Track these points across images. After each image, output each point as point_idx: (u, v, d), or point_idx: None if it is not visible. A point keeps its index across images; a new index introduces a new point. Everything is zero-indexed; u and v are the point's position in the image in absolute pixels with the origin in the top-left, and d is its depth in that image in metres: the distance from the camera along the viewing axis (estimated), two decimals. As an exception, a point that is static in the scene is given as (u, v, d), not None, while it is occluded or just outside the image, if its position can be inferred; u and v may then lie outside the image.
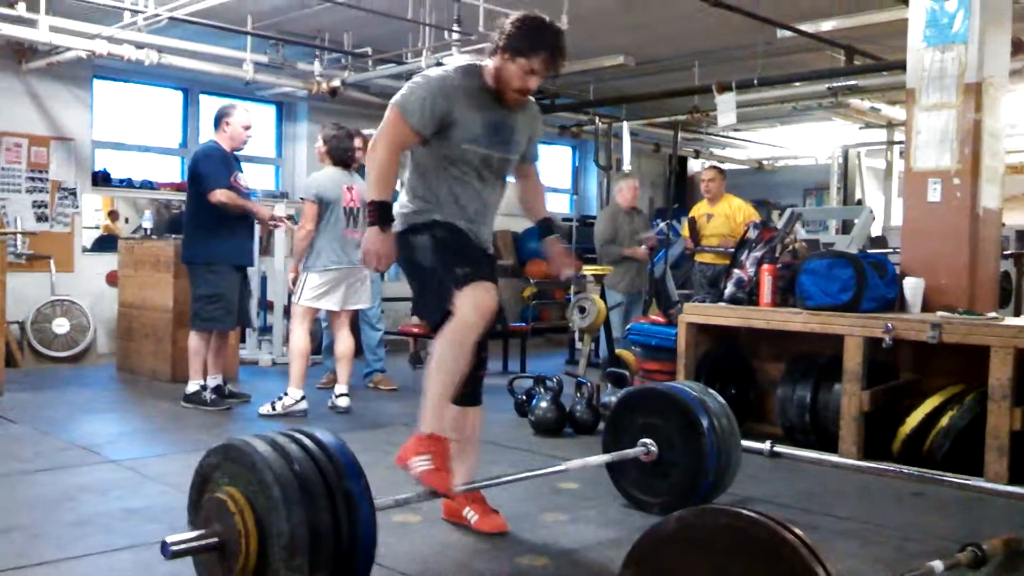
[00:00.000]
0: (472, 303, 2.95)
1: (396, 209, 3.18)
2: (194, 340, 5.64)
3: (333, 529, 2.28)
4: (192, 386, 5.66)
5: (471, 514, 3.27)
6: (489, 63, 3.13)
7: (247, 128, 5.68)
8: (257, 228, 7.71)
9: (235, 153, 5.68)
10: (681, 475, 3.45)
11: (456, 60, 3.29)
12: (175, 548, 2.28)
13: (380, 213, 3.02)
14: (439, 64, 7.06)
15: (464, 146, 3.09)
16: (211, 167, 5.49)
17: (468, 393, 3.22)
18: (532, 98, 3.33)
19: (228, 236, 5.55)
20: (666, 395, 3.58)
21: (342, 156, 5.79)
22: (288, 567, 2.22)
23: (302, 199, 5.81)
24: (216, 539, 2.32)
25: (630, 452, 3.51)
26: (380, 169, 3.04)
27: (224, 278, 5.56)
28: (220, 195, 5.41)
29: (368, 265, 3.10)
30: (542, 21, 3.09)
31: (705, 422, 3.41)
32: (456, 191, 3.15)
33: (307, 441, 2.43)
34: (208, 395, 5.63)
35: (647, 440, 3.50)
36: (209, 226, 5.50)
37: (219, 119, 5.67)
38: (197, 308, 5.62)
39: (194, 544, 2.35)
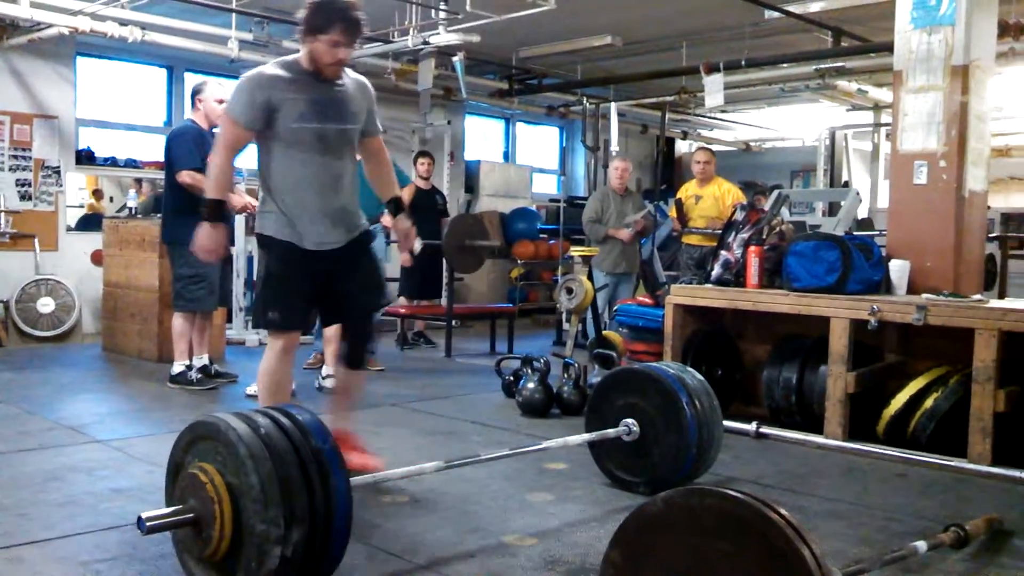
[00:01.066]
0: (273, 351, 3.48)
1: (258, 206, 3.56)
2: (178, 321, 5.63)
3: (304, 483, 2.32)
4: (177, 367, 5.65)
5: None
6: (301, 50, 3.38)
7: (219, 102, 5.65)
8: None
9: (213, 130, 5.65)
10: (662, 454, 3.47)
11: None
12: (151, 524, 2.33)
13: (213, 210, 3.40)
14: (425, 43, 7.11)
15: (294, 125, 3.31)
16: (182, 148, 5.48)
17: (349, 357, 3.63)
18: (359, 74, 3.61)
19: None
20: (645, 375, 3.60)
21: None
22: (263, 519, 2.24)
23: None
24: (191, 514, 2.36)
25: (611, 432, 3.54)
26: (217, 170, 3.43)
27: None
28: (186, 176, 5.39)
29: (200, 258, 3.51)
30: None
31: (685, 400, 3.44)
32: (301, 172, 3.38)
33: (274, 413, 2.49)
34: (194, 375, 5.63)
35: (628, 420, 3.53)
36: (188, 206, 5.42)
37: (193, 96, 5.68)
38: (180, 288, 5.61)
39: (170, 520, 2.39)
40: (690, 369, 3.72)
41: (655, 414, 3.49)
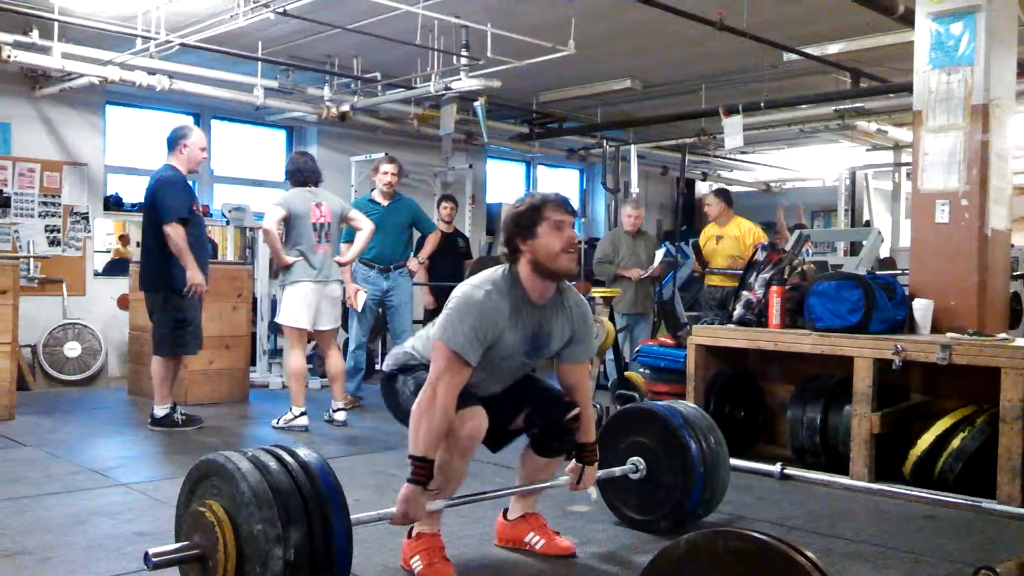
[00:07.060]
0: (463, 429, 2.95)
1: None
2: (160, 366, 5.68)
3: (296, 489, 2.39)
4: (161, 410, 5.70)
5: (536, 539, 3.31)
6: (519, 269, 2.99)
7: (203, 149, 5.76)
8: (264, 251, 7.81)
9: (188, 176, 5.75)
10: (668, 493, 3.49)
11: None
12: (157, 559, 2.40)
13: (425, 473, 2.84)
14: (447, 89, 7.21)
15: (496, 361, 3.04)
16: (172, 197, 5.48)
17: (545, 446, 3.27)
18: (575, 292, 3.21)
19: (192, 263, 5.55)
20: (651, 414, 3.63)
21: (302, 179, 6.01)
22: (260, 520, 2.31)
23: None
24: (196, 549, 2.42)
25: (618, 470, 3.53)
26: (439, 423, 2.85)
27: (191, 303, 5.62)
28: (170, 230, 5.40)
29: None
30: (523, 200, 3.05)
31: (689, 439, 3.46)
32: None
33: (276, 449, 2.56)
34: (179, 416, 5.71)
35: (635, 459, 3.53)
36: (172, 254, 5.50)
37: (176, 140, 5.66)
38: (165, 333, 5.62)
39: (175, 555, 2.46)
40: (698, 408, 3.77)
41: (661, 453, 3.51)
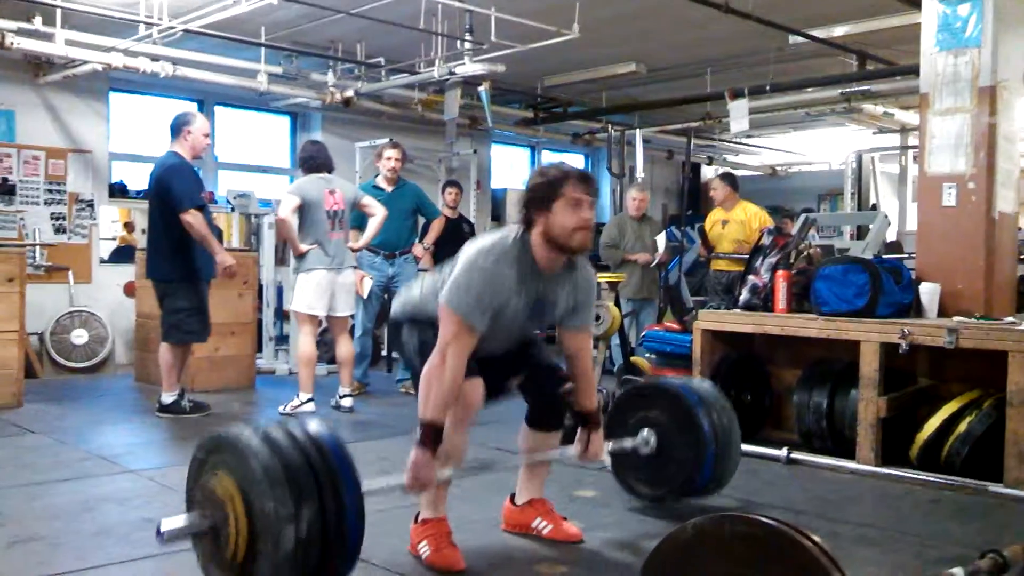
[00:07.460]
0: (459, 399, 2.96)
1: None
2: (169, 353, 5.68)
3: (308, 465, 2.38)
4: (169, 397, 5.72)
5: (543, 524, 3.31)
6: (532, 237, 2.97)
7: (207, 136, 5.75)
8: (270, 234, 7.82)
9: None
10: (679, 468, 3.49)
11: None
12: (168, 531, 2.41)
13: (433, 436, 2.82)
14: (451, 74, 7.19)
15: (496, 326, 3.02)
16: (185, 184, 5.47)
17: (541, 419, 3.27)
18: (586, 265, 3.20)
19: (201, 250, 5.57)
20: (665, 390, 3.66)
21: (315, 166, 6.03)
22: (273, 497, 2.30)
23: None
24: (209, 524, 2.43)
25: (628, 441, 3.53)
26: (449, 385, 2.87)
27: (202, 291, 5.65)
28: (190, 218, 5.39)
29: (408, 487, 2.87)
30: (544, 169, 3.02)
31: (702, 416, 3.48)
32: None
33: (287, 424, 2.55)
34: (186, 403, 5.72)
35: (646, 431, 3.53)
36: (186, 241, 5.50)
37: (179, 127, 5.63)
38: (175, 321, 5.62)
39: (186, 527, 2.47)
40: (708, 383, 3.81)
41: (673, 427, 3.51)
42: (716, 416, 3.53)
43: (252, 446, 2.39)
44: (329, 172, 6.05)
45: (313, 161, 6.02)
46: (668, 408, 3.56)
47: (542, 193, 2.93)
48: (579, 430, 3.27)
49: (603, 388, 5.31)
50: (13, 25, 6.48)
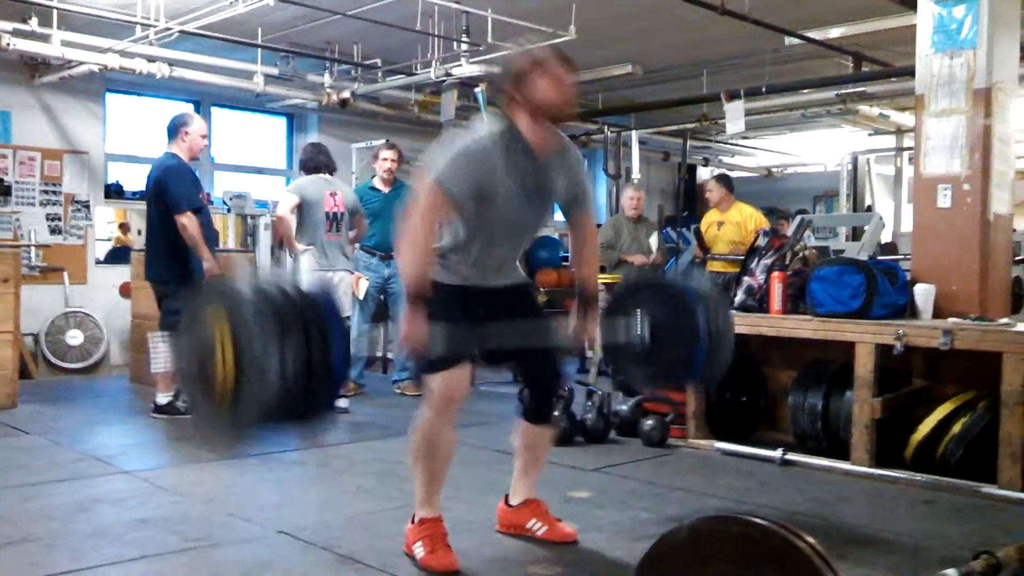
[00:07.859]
0: (439, 390, 2.98)
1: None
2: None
3: (296, 310, 2.39)
4: (164, 397, 5.72)
5: (538, 525, 3.31)
6: (516, 113, 2.93)
7: (204, 137, 5.74)
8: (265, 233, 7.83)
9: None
10: (674, 351, 3.32)
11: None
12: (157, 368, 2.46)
13: (421, 292, 2.81)
14: (447, 75, 7.19)
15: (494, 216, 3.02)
16: (183, 186, 5.46)
17: (536, 412, 3.27)
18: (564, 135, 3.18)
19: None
20: (658, 283, 3.64)
21: (315, 167, 6.05)
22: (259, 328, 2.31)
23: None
24: (196, 368, 2.45)
25: (621, 325, 3.36)
26: (423, 243, 2.88)
27: None
28: (185, 220, 5.37)
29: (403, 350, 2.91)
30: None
31: (691, 297, 3.34)
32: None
33: (278, 281, 2.59)
34: (181, 404, 5.71)
35: (640, 319, 3.37)
36: (184, 242, 5.48)
37: (177, 128, 5.62)
38: (173, 322, 5.53)
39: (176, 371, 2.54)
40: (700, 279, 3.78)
41: (667, 314, 3.35)
42: (712, 309, 3.35)
43: (243, 292, 2.43)
44: (331, 173, 6.06)
45: (313, 162, 6.03)
46: (664, 302, 3.38)
47: (519, 68, 2.89)
48: (575, 306, 3.22)
49: (598, 390, 5.31)
50: (9, 26, 6.48)
